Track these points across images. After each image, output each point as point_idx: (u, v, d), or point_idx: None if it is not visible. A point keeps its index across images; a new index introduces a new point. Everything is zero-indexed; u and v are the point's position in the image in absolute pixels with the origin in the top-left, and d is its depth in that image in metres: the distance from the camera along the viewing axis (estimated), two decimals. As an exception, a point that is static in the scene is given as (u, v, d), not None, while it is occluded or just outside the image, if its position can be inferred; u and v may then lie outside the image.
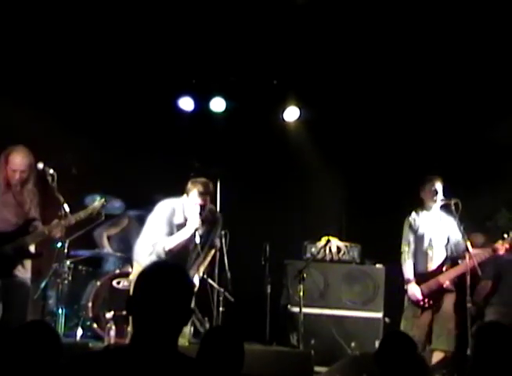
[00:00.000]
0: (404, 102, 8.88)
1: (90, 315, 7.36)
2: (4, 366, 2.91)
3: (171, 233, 6.48)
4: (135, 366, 2.45)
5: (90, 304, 7.39)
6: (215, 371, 3.60)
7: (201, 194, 6.42)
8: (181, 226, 6.50)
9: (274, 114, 9.38)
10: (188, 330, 6.84)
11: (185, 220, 6.49)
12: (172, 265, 2.69)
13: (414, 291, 7.09)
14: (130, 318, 5.90)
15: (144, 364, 2.45)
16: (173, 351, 2.53)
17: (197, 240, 6.55)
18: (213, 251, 6.98)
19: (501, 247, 6.95)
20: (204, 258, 6.80)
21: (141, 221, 8.20)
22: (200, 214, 6.45)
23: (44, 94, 8.33)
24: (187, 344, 6.66)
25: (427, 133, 8.93)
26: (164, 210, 6.53)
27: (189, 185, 6.52)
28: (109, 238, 8.38)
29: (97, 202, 6.90)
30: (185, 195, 6.53)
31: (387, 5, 7.80)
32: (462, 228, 7.01)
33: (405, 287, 7.16)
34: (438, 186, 7.20)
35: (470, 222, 7.25)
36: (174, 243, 6.44)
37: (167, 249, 6.41)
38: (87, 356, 2.55)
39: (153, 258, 6.38)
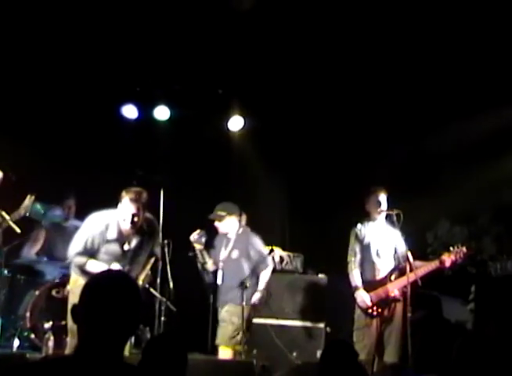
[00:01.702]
0: (346, 111, 8.97)
1: (28, 325, 7.21)
2: None
3: (96, 250, 6.15)
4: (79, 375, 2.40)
5: (28, 314, 7.24)
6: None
7: (133, 201, 6.11)
8: (114, 241, 6.21)
9: (218, 123, 9.38)
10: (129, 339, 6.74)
11: (119, 235, 6.20)
12: (121, 274, 2.65)
13: (363, 296, 7.13)
14: (68, 327, 5.87)
15: (88, 373, 2.40)
16: (118, 360, 2.49)
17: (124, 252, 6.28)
18: (153, 260, 6.74)
19: (447, 260, 7.05)
20: (143, 268, 6.59)
21: (57, 227, 8.13)
22: (132, 222, 6.17)
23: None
24: (127, 354, 6.57)
25: (369, 142, 9.03)
26: (97, 225, 6.20)
27: (123, 193, 6.22)
28: (37, 254, 8.22)
29: (27, 200, 6.81)
30: (119, 205, 6.22)
31: (331, 11, 7.87)
32: (404, 239, 7.09)
33: (354, 295, 7.18)
34: (382, 197, 7.27)
35: (410, 233, 7.33)
36: (94, 270, 6.00)
37: (86, 269, 6.09)
38: (26, 366, 2.48)
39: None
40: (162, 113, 9.23)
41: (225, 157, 9.46)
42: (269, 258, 7.41)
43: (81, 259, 6.11)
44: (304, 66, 8.58)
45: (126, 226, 6.18)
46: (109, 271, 2.79)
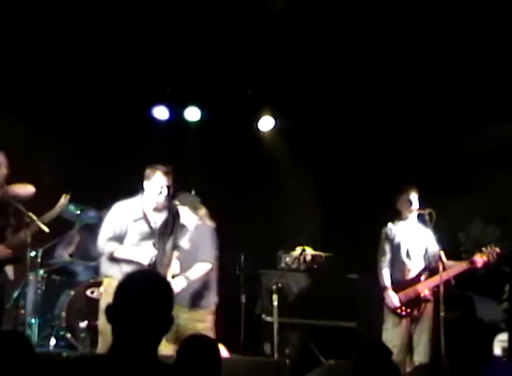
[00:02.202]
0: (379, 112, 8.95)
1: (64, 324, 7.30)
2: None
3: (124, 233, 6.24)
4: (114, 374, 2.43)
5: (64, 313, 7.33)
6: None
7: (164, 174, 6.22)
8: (140, 219, 6.29)
9: (249, 124, 9.41)
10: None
11: (144, 214, 6.28)
12: (153, 273, 2.68)
13: (392, 297, 7.12)
14: (99, 328, 5.92)
15: (123, 372, 2.44)
16: (153, 359, 2.52)
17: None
18: (176, 254, 6.64)
19: (479, 260, 7.02)
20: (169, 262, 6.52)
21: (91, 229, 8.20)
22: (168, 194, 6.26)
23: (19, 102, 8.27)
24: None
25: (402, 143, 9.01)
26: (122, 209, 6.28)
27: (149, 171, 6.30)
28: (71, 256, 8.30)
29: (62, 199, 6.89)
30: (145, 183, 6.28)
31: (362, 17, 7.87)
32: (436, 238, 7.06)
33: (384, 295, 7.18)
34: (413, 196, 7.24)
35: (443, 232, 7.30)
36: (124, 256, 6.15)
37: (115, 256, 6.17)
38: (62, 364, 2.52)
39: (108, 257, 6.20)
40: (193, 114, 9.29)
41: (256, 158, 9.48)
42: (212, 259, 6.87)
43: (112, 245, 6.17)
44: (336, 65, 8.58)
45: (161, 199, 6.23)
46: (142, 270, 2.84)
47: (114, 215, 6.28)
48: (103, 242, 6.22)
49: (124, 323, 2.51)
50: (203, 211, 7.05)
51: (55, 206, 6.67)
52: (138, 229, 6.28)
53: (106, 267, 6.28)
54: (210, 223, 7.00)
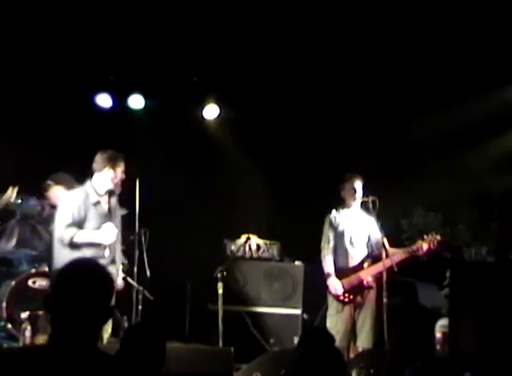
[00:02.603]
0: (322, 100, 8.99)
1: (4, 315, 7.16)
2: None
3: (84, 218, 6.24)
4: (55, 364, 2.41)
5: (4, 304, 7.18)
6: (137, 369, 3.58)
7: (122, 159, 6.52)
8: (97, 203, 6.35)
9: (194, 112, 9.36)
10: (108, 328, 6.71)
11: (99, 197, 6.36)
12: (92, 262, 2.66)
13: (335, 284, 7.19)
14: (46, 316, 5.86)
15: (64, 363, 2.41)
16: (93, 349, 2.50)
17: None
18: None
19: (422, 247, 7.13)
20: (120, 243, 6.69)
21: (32, 219, 8.09)
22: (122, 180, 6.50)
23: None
24: (105, 343, 6.57)
25: (345, 131, 9.07)
26: (77, 196, 6.32)
27: (111, 156, 6.48)
28: (15, 247, 8.16)
29: (9, 191, 6.78)
30: (105, 170, 6.39)
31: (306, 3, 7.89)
32: (379, 225, 7.14)
33: (327, 282, 7.24)
34: (358, 184, 7.31)
35: (386, 220, 7.39)
36: (86, 239, 6.19)
37: (75, 241, 6.15)
38: (3, 355, 2.49)
39: (62, 244, 6.16)
40: (137, 102, 9.20)
41: (202, 146, 9.45)
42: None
43: (71, 231, 6.15)
44: (282, 53, 8.57)
45: (116, 183, 6.43)
46: (81, 260, 2.80)
47: (71, 202, 6.30)
48: (62, 229, 6.18)
49: (62, 312, 2.49)
50: None
51: (1, 198, 6.57)
52: (98, 212, 6.35)
53: (63, 257, 6.08)
54: None
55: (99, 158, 6.46)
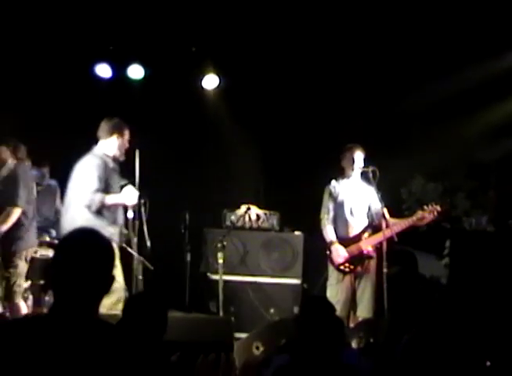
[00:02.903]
0: (320, 70, 8.95)
1: (6, 285, 7.19)
2: None
3: (108, 183, 6.45)
4: (55, 333, 2.42)
5: (6, 274, 7.21)
6: (138, 338, 3.59)
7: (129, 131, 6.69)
8: (115, 169, 6.58)
9: (193, 82, 9.32)
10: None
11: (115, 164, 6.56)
12: (93, 231, 2.66)
13: (339, 249, 7.18)
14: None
15: (64, 332, 2.43)
16: (94, 318, 2.51)
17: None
18: None
19: (422, 217, 7.12)
20: None
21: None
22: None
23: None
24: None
25: (344, 99, 9.04)
26: (99, 161, 6.45)
27: (119, 124, 6.65)
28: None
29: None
30: (116, 136, 6.56)
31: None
32: (379, 195, 7.14)
33: (328, 251, 7.25)
34: (358, 154, 7.29)
35: (385, 189, 7.38)
36: (113, 201, 6.43)
37: (106, 203, 6.34)
38: (5, 324, 2.50)
39: (89, 209, 6.29)
40: (136, 71, 9.16)
41: (200, 116, 9.43)
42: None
43: (100, 195, 6.30)
44: (278, 23, 8.53)
45: (120, 153, 6.60)
46: (82, 229, 2.79)
47: (95, 168, 6.39)
48: (90, 194, 6.29)
49: (63, 282, 2.50)
50: (22, 150, 7.09)
51: None
52: (116, 177, 6.57)
53: (86, 221, 6.22)
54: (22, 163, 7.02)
55: (106, 126, 6.60)
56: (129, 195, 6.51)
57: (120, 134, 6.60)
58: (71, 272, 2.50)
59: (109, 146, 6.58)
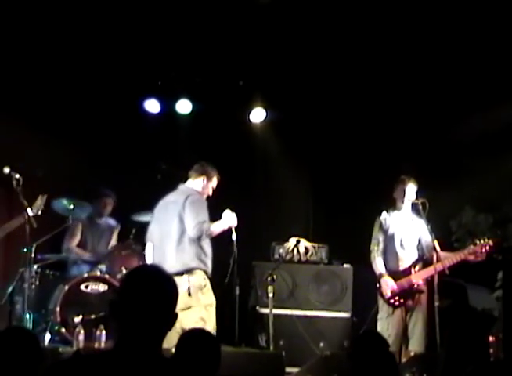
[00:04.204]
0: (372, 101, 8.94)
1: (58, 319, 7.26)
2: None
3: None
4: (119, 370, 2.43)
5: (58, 308, 7.28)
6: (193, 373, 3.60)
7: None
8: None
9: (240, 116, 9.38)
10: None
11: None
12: (157, 268, 2.67)
13: (388, 282, 7.13)
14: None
15: (128, 369, 2.44)
16: (157, 356, 2.52)
17: None
18: None
19: (475, 252, 7.05)
20: None
21: (90, 222, 8.22)
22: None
23: (10, 96, 8.23)
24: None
25: (396, 132, 9.00)
26: (197, 196, 6.88)
27: (210, 169, 7.07)
28: (78, 246, 8.31)
29: (38, 200, 6.94)
30: (203, 178, 6.99)
31: (351, 7, 7.87)
32: (430, 228, 7.08)
33: (378, 283, 7.19)
34: (410, 186, 7.26)
35: (435, 220, 7.32)
36: (216, 230, 6.81)
37: (210, 231, 6.71)
38: (70, 361, 2.51)
39: (199, 240, 6.67)
40: (184, 106, 9.26)
41: (248, 149, 9.47)
42: None
43: (207, 225, 6.71)
44: (325, 56, 8.57)
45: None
46: (146, 266, 2.82)
47: (201, 203, 6.84)
48: (203, 224, 6.66)
49: (129, 318, 2.51)
50: None
51: (32, 207, 6.77)
52: None
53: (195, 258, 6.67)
54: None
55: (198, 167, 7.06)
56: (229, 217, 6.84)
57: (208, 178, 7.01)
58: (137, 308, 2.51)
59: (196, 186, 6.97)
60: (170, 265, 6.40)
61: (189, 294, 6.53)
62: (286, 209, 9.21)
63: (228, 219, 6.84)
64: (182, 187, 7.03)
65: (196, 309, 6.56)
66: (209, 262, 6.81)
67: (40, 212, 7.03)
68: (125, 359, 2.46)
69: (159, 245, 6.88)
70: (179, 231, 6.72)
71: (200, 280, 6.68)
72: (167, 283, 2.60)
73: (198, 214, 6.69)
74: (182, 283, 6.40)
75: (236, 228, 6.97)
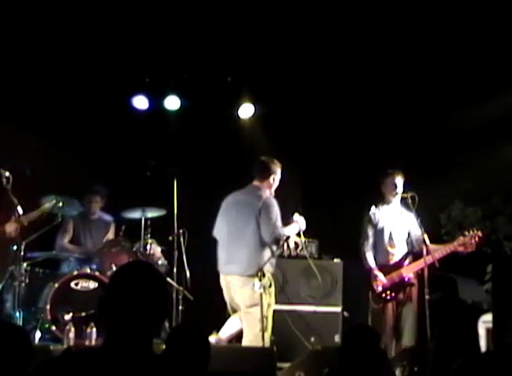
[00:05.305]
0: (360, 95, 8.95)
1: (48, 317, 7.24)
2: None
3: None
4: (110, 367, 2.42)
5: (48, 306, 7.26)
6: (182, 369, 3.60)
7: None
8: None
9: (229, 111, 9.37)
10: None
11: None
12: (147, 264, 2.67)
13: (378, 276, 7.16)
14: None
15: (120, 365, 2.43)
16: (149, 351, 2.51)
17: None
18: None
19: (464, 244, 7.08)
20: None
21: (81, 218, 8.20)
22: None
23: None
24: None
25: (384, 125, 9.02)
26: (275, 200, 7.03)
27: (274, 166, 7.18)
28: (70, 243, 8.30)
29: (48, 203, 6.93)
30: (272, 178, 7.12)
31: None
32: (419, 221, 7.09)
33: (369, 278, 7.21)
34: (399, 180, 7.28)
35: (424, 214, 7.34)
36: (291, 232, 7.06)
37: (284, 235, 6.94)
38: (58, 359, 2.50)
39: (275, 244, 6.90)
40: (172, 103, 9.24)
41: (237, 145, 9.46)
42: None
43: (282, 230, 6.95)
44: (314, 50, 8.56)
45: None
46: (136, 262, 2.81)
47: (276, 206, 7.02)
48: (280, 232, 6.93)
49: (118, 315, 2.49)
50: None
51: (40, 208, 6.75)
52: None
53: (268, 262, 6.88)
54: None
55: (264, 167, 7.20)
56: (300, 221, 7.09)
57: (276, 175, 7.16)
58: (128, 304, 2.49)
59: (267, 186, 7.11)
60: (240, 267, 6.79)
61: (259, 293, 6.71)
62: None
63: (299, 223, 7.04)
64: (253, 188, 7.16)
65: (263, 307, 6.74)
66: (275, 262, 7.05)
67: (44, 215, 7.07)
68: (115, 356, 2.45)
69: (226, 245, 7.09)
70: (254, 234, 6.88)
71: (268, 281, 6.88)
72: (155, 280, 2.58)
73: (275, 220, 6.88)
74: (251, 283, 6.70)
75: None
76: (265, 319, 6.70)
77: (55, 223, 7.80)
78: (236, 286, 6.90)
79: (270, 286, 6.93)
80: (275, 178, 7.17)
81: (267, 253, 6.88)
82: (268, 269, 6.90)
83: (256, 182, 7.15)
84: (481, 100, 8.31)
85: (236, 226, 7.00)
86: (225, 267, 7.08)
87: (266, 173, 7.12)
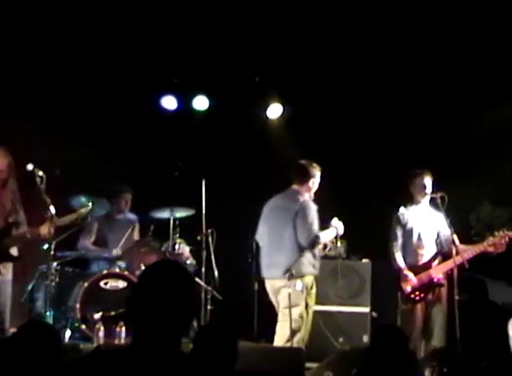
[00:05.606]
0: (387, 96, 8.92)
1: (78, 316, 7.30)
2: (4, 368, 2.86)
3: None
4: (139, 366, 2.44)
5: (78, 305, 7.32)
6: (209, 369, 3.60)
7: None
8: None
9: (257, 111, 9.38)
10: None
11: None
12: (174, 263, 2.67)
13: (408, 277, 7.13)
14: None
15: (148, 364, 2.44)
16: (177, 350, 2.52)
17: None
18: None
19: (494, 244, 7.02)
20: None
21: (108, 219, 8.23)
22: None
23: (26, 95, 8.28)
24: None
25: (412, 126, 8.97)
26: (313, 204, 7.01)
27: (314, 170, 7.11)
28: (94, 244, 8.34)
29: (84, 209, 6.97)
30: (312, 181, 7.09)
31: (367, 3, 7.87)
32: (448, 222, 7.05)
33: (398, 278, 7.18)
34: (427, 180, 7.24)
35: (453, 215, 7.29)
36: (329, 237, 7.11)
37: (321, 241, 6.96)
38: (86, 357, 2.52)
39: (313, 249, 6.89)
40: (201, 103, 9.28)
41: (265, 145, 9.46)
42: None
43: (319, 235, 6.94)
44: (342, 51, 8.55)
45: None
46: (164, 261, 2.82)
47: (314, 210, 6.99)
48: (317, 236, 6.92)
49: (146, 314, 2.50)
50: None
51: (75, 212, 6.80)
52: None
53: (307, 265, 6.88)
54: None
55: (303, 171, 7.15)
56: (339, 226, 7.09)
57: (315, 178, 7.12)
58: (156, 303, 2.50)
59: (306, 190, 7.08)
60: (280, 270, 6.78)
61: (299, 293, 6.79)
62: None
63: (337, 228, 7.05)
64: (292, 192, 7.15)
65: (300, 308, 6.81)
66: (318, 264, 7.03)
67: (78, 220, 7.14)
68: (144, 354, 2.46)
69: (267, 249, 7.14)
70: (292, 238, 6.90)
71: (310, 283, 6.92)
72: (184, 279, 2.59)
73: (312, 224, 6.88)
74: (293, 284, 6.75)
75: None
76: (300, 319, 6.76)
77: (85, 223, 7.86)
78: (278, 288, 6.92)
79: (312, 287, 6.95)
80: (315, 182, 7.13)
81: (307, 257, 6.87)
82: (311, 271, 6.92)
83: (295, 186, 7.14)
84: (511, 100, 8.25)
85: (276, 230, 7.02)
86: (267, 271, 7.12)
87: (305, 177, 7.10)
